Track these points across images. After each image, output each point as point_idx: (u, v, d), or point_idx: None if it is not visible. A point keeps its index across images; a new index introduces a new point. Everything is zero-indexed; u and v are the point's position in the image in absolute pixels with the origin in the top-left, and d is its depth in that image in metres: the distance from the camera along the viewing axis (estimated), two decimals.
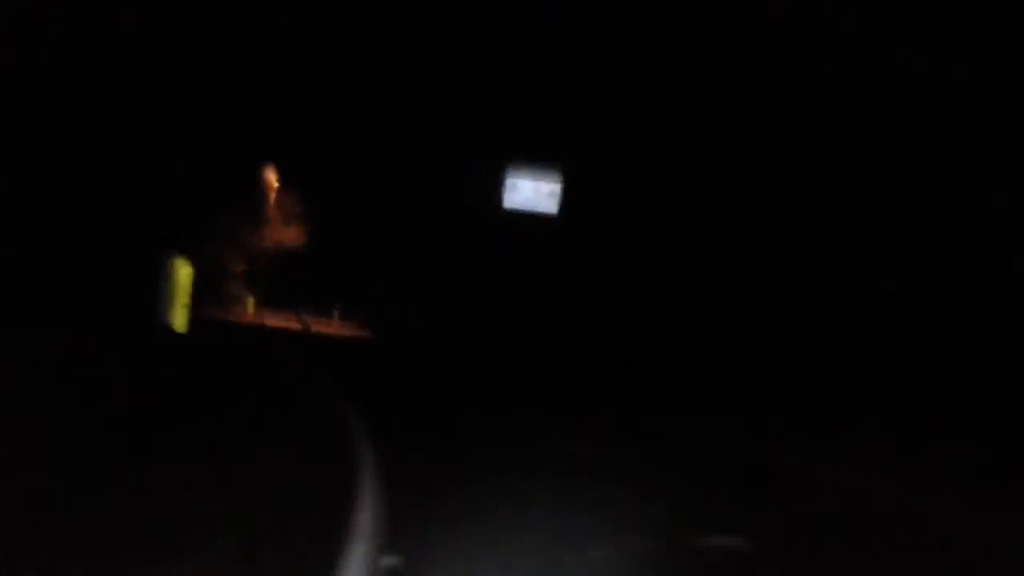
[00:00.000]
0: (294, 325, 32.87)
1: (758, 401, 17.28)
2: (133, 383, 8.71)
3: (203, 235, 27.00)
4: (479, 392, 14.73)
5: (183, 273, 15.52)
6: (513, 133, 26.37)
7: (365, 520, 4.48)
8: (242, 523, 4.17)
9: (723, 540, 5.22)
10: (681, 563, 4.70)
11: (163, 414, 7.08)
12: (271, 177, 36.07)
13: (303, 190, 35.82)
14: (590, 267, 25.29)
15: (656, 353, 22.61)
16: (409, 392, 13.42)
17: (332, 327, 34.36)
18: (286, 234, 35.70)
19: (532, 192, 25.95)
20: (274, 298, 35.50)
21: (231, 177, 31.69)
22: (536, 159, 25.88)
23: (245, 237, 33.79)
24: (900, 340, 20.30)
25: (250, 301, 34.30)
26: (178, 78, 23.02)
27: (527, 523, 5.16)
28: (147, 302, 15.55)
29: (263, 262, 34.88)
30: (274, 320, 33.16)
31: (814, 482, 8.09)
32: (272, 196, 36.28)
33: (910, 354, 19.73)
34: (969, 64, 19.49)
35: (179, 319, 15.63)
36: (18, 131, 17.10)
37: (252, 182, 35.07)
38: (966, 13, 19.58)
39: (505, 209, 26.16)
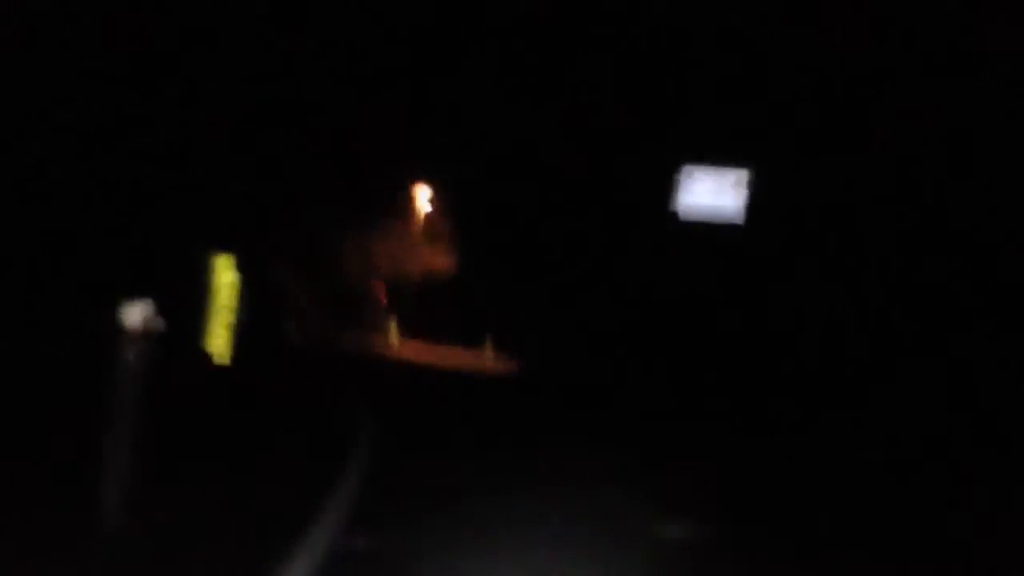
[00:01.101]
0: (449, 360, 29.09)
1: None
2: None
3: (331, 250, 23.87)
4: None
5: (225, 280, 11.47)
6: (682, 127, 21.06)
7: None
8: None
9: None
10: None
11: None
12: (423, 196, 33.08)
13: (457, 212, 32.47)
14: (787, 291, 19.58)
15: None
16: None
17: (482, 360, 30.20)
18: (436, 257, 32.42)
19: (712, 197, 20.53)
20: (419, 326, 31.93)
21: (376, 192, 28.83)
22: (710, 155, 20.47)
23: (390, 257, 30.72)
24: None
25: (392, 327, 31.04)
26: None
27: None
28: (187, 318, 11.65)
29: (410, 286, 31.64)
30: (415, 352, 29.44)
31: None
32: (423, 216, 33.24)
33: None
34: None
35: (219, 344, 11.58)
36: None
37: (402, 200, 32.29)
38: None
39: (678, 218, 20.93)
